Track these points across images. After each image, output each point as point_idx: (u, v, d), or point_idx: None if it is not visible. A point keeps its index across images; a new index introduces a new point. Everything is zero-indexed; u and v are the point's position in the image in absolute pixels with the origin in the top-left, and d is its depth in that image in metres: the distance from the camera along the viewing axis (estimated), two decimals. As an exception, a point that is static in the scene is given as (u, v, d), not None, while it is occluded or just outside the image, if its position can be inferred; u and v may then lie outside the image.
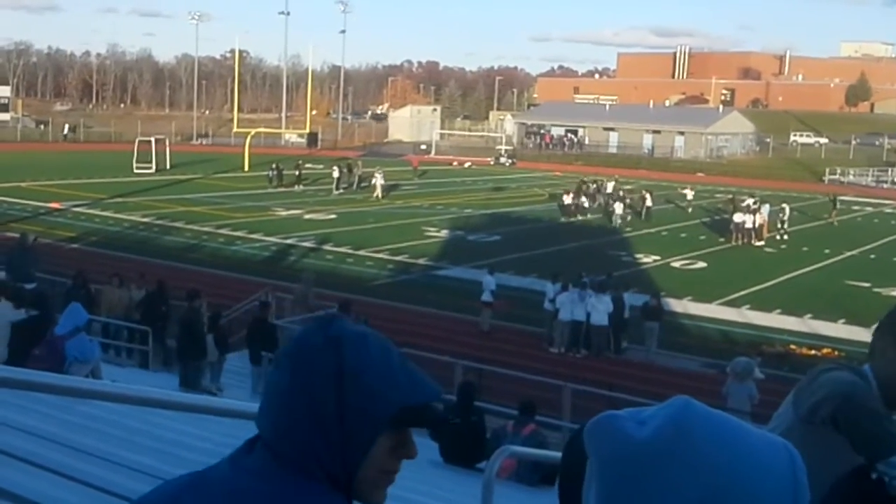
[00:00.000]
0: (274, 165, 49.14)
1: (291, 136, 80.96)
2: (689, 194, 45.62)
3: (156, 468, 4.51)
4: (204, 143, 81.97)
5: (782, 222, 37.29)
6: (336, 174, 48.19)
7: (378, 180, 45.83)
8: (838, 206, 42.89)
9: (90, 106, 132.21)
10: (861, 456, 2.14)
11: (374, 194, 45.18)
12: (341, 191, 47.13)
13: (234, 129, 68.42)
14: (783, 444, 1.02)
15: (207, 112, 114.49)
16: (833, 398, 2.21)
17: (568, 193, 42.58)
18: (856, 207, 47.88)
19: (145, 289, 17.94)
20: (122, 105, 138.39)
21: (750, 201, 40.38)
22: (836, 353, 19.70)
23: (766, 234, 35.87)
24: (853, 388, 2.24)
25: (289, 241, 32.31)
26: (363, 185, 48.44)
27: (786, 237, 36.54)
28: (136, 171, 53.06)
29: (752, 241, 34.86)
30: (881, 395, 2.36)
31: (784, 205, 38.06)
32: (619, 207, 40.07)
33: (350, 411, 1.21)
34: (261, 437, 1.23)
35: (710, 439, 0.97)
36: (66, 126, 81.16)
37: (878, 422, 2.19)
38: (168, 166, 55.63)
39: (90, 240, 31.23)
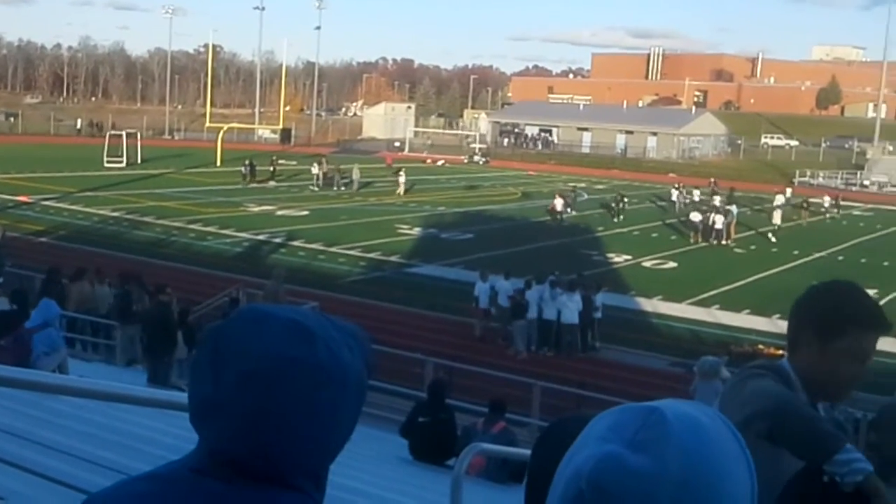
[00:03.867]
0: (247, 161, 48.89)
1: (264, 132, 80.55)
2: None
3: (123, 464, 4.49)
4: (176, 137, 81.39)
5: (776, 227, 37.49)
6: (315, 171, 48.13)
7: (401, 178, 46.72)
8: (809, 207, 43.37)
9: (61, 99, 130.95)
10: (805, 462, 2.18)
11: (398, 191, 45.90)
12: (318, 188, 47.03)
13: (207, 124, 67.98)
14: (721, 418, 1.04)
15: (180, 107, 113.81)
16: (764, 415, 2.20)
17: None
18: (823, 209, 48.32)
19: (107, 283, 17.76)
20: (93, 98, 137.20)
21: (717, 200, 40.98)
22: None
23: (733, 235, 36.17)
24: (780, 400, 2.24)
25: (261, 237, 32.18)
26: (345, 180, 48.21)
27: (773, 239, 36.61)
28: (106, 164, 52.57)
29: (720, 242, 35.12)
30: (805, 388, 2.39)
31: (777, 211, 38.31)
32: (719, 220, 35.65)
33: (349, 411, 1.20)
34: (218, 452, 1.16)
35: (701, 451, 0.98)
36: (79, 120, 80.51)
37: (814, 426, 2.20)
38: (139, 160, 55.20)
39: (59, 234, 30.94)
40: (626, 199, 43.02)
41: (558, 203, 39.90)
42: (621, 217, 41.03)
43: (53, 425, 5.40)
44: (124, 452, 4.95)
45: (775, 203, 42.02)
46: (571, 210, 41.78)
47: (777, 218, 37.97)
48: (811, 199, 44.71)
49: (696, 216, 36.53)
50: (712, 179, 51.47)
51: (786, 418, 2.20)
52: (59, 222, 33.32)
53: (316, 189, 46.82)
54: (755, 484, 1.02)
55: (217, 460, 1.15)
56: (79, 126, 79.38)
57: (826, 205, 46.12)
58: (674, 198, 45.76)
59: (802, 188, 53.94)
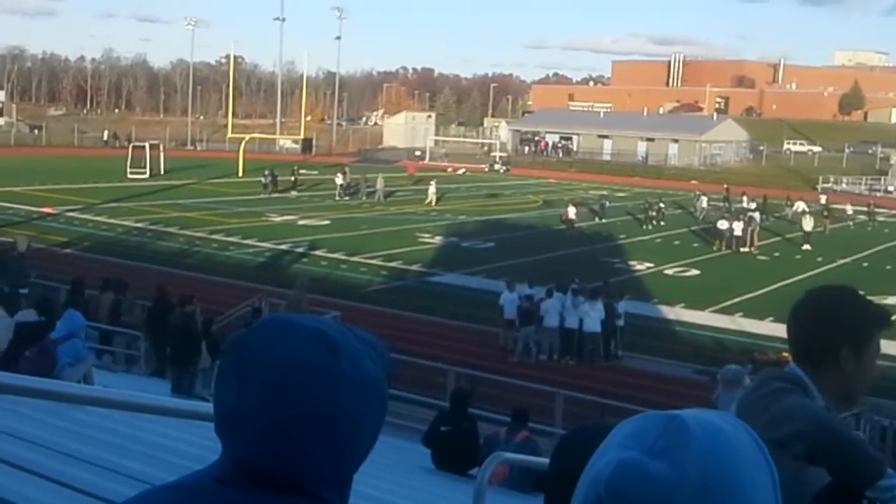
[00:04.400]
0: (267, 171, 49.11)
1: (286, 142, 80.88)
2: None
3: (147, 474, 4.51)
4: (198, 148, 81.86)
5: (807, 234, 36.92)
6: (339, 181, 48.33)
7: (432, 188, 46.80)
8: (831, 215, 42.86)
9: (85, 111, 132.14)
10: (846, 485, 2.16)
11: (428, 200, 45.90)
12: (347, 198, 47.26)
13: (229, 135, 68.35)
14: (744, 426, 1.04)
15: (202, 117, 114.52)
16: (805, 436, 2.18)
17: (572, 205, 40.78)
18: (848, 216, 47.96)
19: (117, 295, 17.76)
20: (116, 110, 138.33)
21: (751, 204, 40.75)
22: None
23: (756, 242, 35.93)
24: (824, 423, 2.23)
25: (283, 247, 32.30)
26: (369, 189, 48.28)
27: (807, 247, 35.88)
28: (130, 176, 52.94)
29: (738, 249, 34.89)
30: (827, 396, 2.37)
31: (808, 217, 37.91)
32: (738, 227, 35.50)
33: (371, 421, 1.20)
34: (241, 461, 1.16)
35: (720, 457, 0.98)
36: (106, 132, 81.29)
37: (860, 450, 2.21)
38: (162, 171, 55.56)
39: (83, 245, 31.18)
40: (662, 206, 42.95)
41: (571, 211, 39.55)
42: (661, 223, 40.93)
43: (78, 435, 5.44)
44: (149, 462, 4.97)
45: (797, 209, 41.71)
46: (600, 219, 42.17)
47: (808, 225, 37.40)
48: (833, 206, 44.17)
49: (723, 224, 36.25)
50: (725, 186, 51.16)
51: (831, 442, 2.20)
52: (83, 233, 33.58)
53: (341, 199, 46.98)
54: (779, 494, 1.02)
55: (241, 470, 1.15)
56: (105, 137, 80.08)
57: (849, 211, 45.61)
58: (704, 205, 45.27)
59: (826, 194, 53.42)
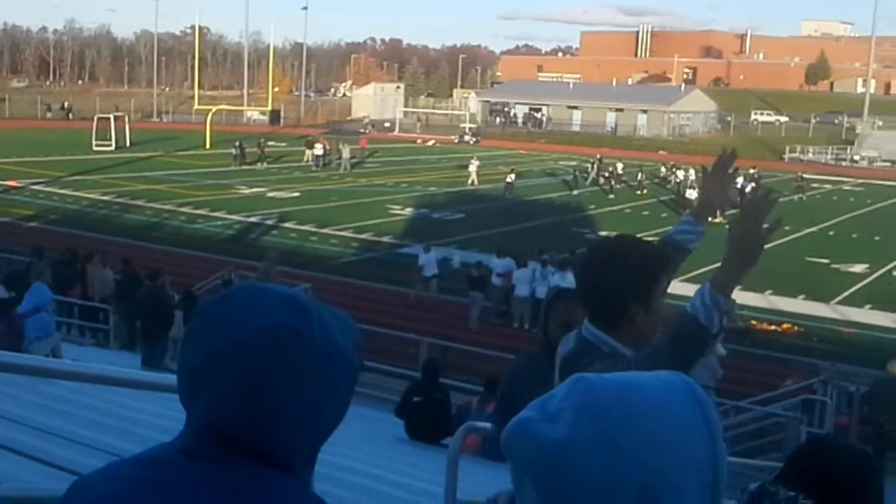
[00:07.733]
0: (237, 143, 48.71)
1: (253, 114, 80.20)
2: (619, 167, 45.97)
3: (117, 447, 4.48)
4: (164, 120, 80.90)
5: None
6: (319, 152, 48.21)
7: (473, 166, 44.91)
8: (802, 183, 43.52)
9: (47, 82, 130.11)
10: None
11: (469, 180, 44.15)
12: (319, 168, 47.16)
13: (195, 107, 67.56)
14: (683, 383, 1.04)
15: (168, 89, 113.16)
16: None
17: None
18: (815, 185, 48.42)
19: (99, 267, 17.71)
20: (80, 82, 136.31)
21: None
22: (796, 328, 20.07)
23: (726, 212, 36.19)
24: None
25: (252, 220, 32.09)
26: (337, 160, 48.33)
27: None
28: (95, 148, 52.28)
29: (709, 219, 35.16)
30: (627, 346, 2.35)
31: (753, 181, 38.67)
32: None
33: (341, 390, 1.20)
34: (209, 427, 1.14)
35: (622, 417, 0.98)
36: (65, 103, 79.97)
37: None
38: (128, 144, 54.87)
39: (49, 218, 30.79)
40: (616, 170, 43.96)
41: (511, 177, 40.49)
42: (616, 186, 41.36)
43: (47, 409, 5.39)
44: (119, 435, 4.94)
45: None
46: (573, 189, 43.20)
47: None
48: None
49: (692, 194, 36.53)
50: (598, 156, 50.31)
51: None
52: (48, 206, 33.15)
53: (318, 169, 46.76)
54: (717, 455, 1.00)
55: (206, 437, 1.14)
56: (63, 108, 78.62)
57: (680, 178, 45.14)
58: (679, 178, 44.38)
59: (793, 164, 53.86)
